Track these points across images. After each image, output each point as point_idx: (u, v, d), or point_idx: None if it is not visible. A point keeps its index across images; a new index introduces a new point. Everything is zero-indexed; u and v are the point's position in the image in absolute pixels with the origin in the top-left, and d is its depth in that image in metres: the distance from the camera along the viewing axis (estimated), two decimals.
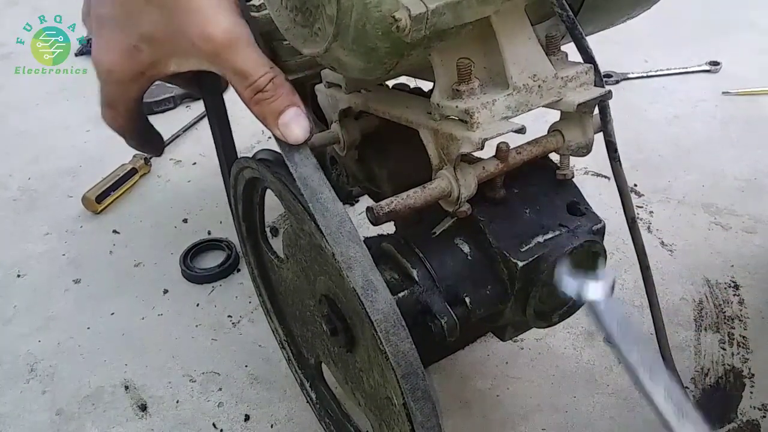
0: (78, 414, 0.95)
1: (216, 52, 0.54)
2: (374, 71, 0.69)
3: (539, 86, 0.65)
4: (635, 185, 1.31)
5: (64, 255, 1.24)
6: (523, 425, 0.90)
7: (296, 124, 0.58)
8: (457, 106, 0.62)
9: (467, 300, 0.69)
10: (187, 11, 0.53)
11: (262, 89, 0.56)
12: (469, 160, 0.66)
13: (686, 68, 1.73)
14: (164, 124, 1.61)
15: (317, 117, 1.02)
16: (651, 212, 1.26)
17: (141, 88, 0.62)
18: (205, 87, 0.74)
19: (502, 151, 0.66)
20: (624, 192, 0.80)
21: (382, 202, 0.61)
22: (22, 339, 1.07)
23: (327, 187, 0.52)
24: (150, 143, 0.77)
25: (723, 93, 1.64)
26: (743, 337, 0.99)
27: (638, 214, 1.25)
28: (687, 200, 1.30)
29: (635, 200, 1.28)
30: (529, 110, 0.66)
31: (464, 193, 0.65)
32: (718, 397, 0.92)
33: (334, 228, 0.51)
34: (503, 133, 0.61)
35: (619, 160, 0.78)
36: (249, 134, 1.53)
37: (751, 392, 0.92)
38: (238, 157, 0.83)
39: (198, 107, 1.68)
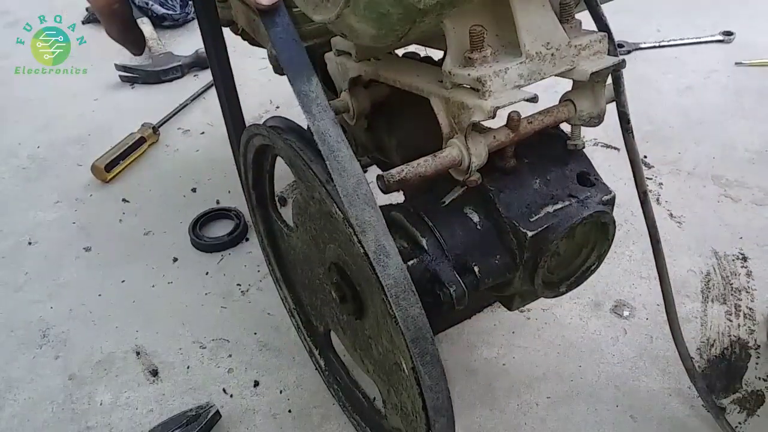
0: (90, 379, 0.96)
1: None
2: (386, 38, 0.68)
3: (552, 54, 0.64)
4: (645, 156, 1.31)
5: (74, 223, 1.24)
6: (529, 393, 0.91)
7: None
8: (469, 74, 0.61)
9: (476, 269, 0.69)
10: None
11: None
12: (480, 129, 0.65)
13: (699, 38, 1.70)
14: (172, 93, 1.61)
15: (327, 86, 1.01)
16: (660, 184, 1.26)
17: None
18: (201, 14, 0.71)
19: (513, 121, 0.65)
20: (636, 165, 0.80)
21: (393, 171, 0.61)
22: (34, 305, 1.08)
23: (345, 145, 0.52)
24: (130, 37, 0.73)
25: (736, 63, 1.62)
26: (750, 308, 1.00)
27: (648, 185, 1.24)
28: (697, 172, 1.29)
29: (645, 172, 1.27)
30: (541, 79, 0.65)
31: (475, 162, 0.64)
32: (723, 367, 0.92)
33: (350, 189, 0.51)
34: (515, 102, 0.61)
35: (632, 132, 0.77)
36: (257, 103, 1.52)
37: (757, 363, 0.92)
38: (244, 120, 0.83)
39: (206, 76, 1.67)
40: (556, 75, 0.66)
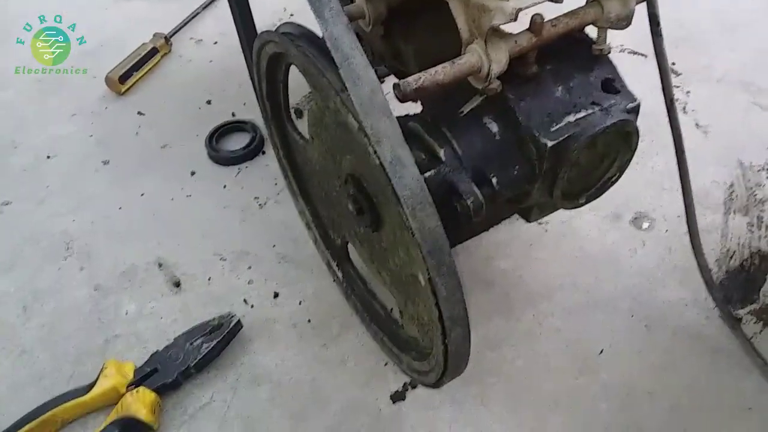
0: (115, 289, 0.99)
1: None
2: None
3: None
4: (673, 63, 1.25)
5: (91, 136, 1.24)
6: (545, 304, 0.92)
7: None
8: None
9: (494, 180, 0.68)
10: None
11: None
12: (500, 33, 0.62)
13: None
14: (183, 0, 1.56)
15: None
16: (688, 92, 1.21)
17: None
18: None
19: (536, 24, 0.62)
20: (664, 71, 0.77)
21: (410, 78, 0.59)
22: (57, 218, 1.10)
23: (359, 52, 0.49)
24: None
25: None
26: None
27: (675, 94, 1.20)
28: (727, 79, 1.24)
29: (673, 79, 1.22)
30: None
31: (495, 68, 0.62)
32: (741, 278, 0.92)
33: (365, 98, 0.49)
34: (539, 3, 0.58)
35: (661, 36, 0.74)
36: (270, 11, 1.47)
37: None
38: (256, 28, 0.80)
39: None
40: None
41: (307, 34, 0.63)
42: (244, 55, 0.79)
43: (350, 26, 0.51)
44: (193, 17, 1.50)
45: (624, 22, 0.68)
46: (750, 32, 1.33)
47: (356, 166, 0.67)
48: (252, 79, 0.78)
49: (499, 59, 0.62)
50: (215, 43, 1.44)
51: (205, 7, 1.53)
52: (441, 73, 0.61)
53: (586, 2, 0.67)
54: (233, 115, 1.25)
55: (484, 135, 0.69)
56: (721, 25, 1.36)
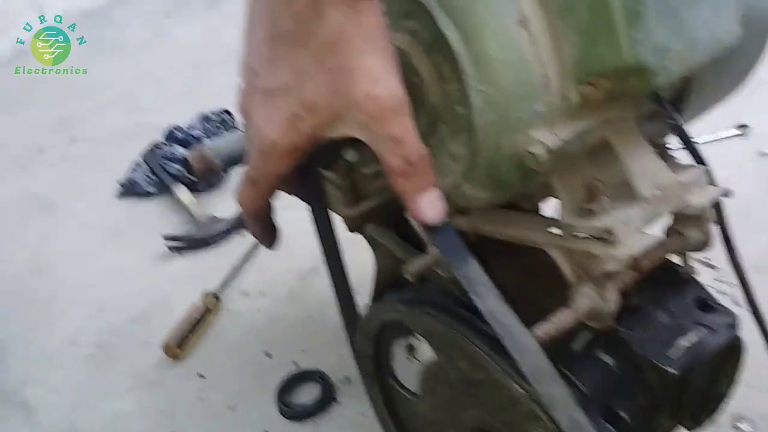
0: None
1: (378, 114, 0.52)
2: (498, 200, 0.71)
3: (665, 195, 0.67)
4: (709, 258, 1.31)
5: (154, 408, 1.22)
6: None
7: (435, 207, 0.57)
8: (594, 225, 0.63)
9: (624, 414, 0.68)
10: (357, 71, 0.51)
11: (413, 162, 0.53)
12: (609, 275, 0.66)
13: (717, 134, 1.77)
14: (222, 256, 1.63)
15: (410, 241, 1.03)
16: (732, 284, 1.25)
17: (291, 164, 0.60)
18: (311, 193, 0.72)
19: (638, 263, 0.67)
20: (743, 279, 0.81)
21: (543, 331, 0.61)
22: None
23: (517, 321, 0.52)
24: (271, 231, 0.74)
25: (760, 154, 1.67)
26: None
27: (719, 287, 1.24)
28: (764, 265, 1.29)
29: (711, 273, 1.28)
30: (658, 219, 0.67)
31: (611, 309, 0.65)
32: None
33: (533, 366, 0.51)
34: (647, 248, 0.63)
35: (735, 250, 0.79)
36: (307, 254, 1.54)
37: None
38: (348, 281, 0.81)
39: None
40: (670, 212, 0.69)
41: (436, 301, 0.66)
42: (344, 321, 0.81)
43: (502, 298, 0.54)
44: (237, 271, 1.56)
45: (704, 244, 0.74)
46: (764, 217, 1.42)
47: (484, 420, 0.67)
48: (351, 341, 0.80)
49: (612, 299, 0.65)
50: (262, 293, 1.49)
51: (246, 260, 1.60)
52: (565, 320, 0.64)
53: (667, 233, 0.73)
54: (295, 364, 1.25)
55: (602, 369, 0.70)
56: (733, 214, 1.42)
